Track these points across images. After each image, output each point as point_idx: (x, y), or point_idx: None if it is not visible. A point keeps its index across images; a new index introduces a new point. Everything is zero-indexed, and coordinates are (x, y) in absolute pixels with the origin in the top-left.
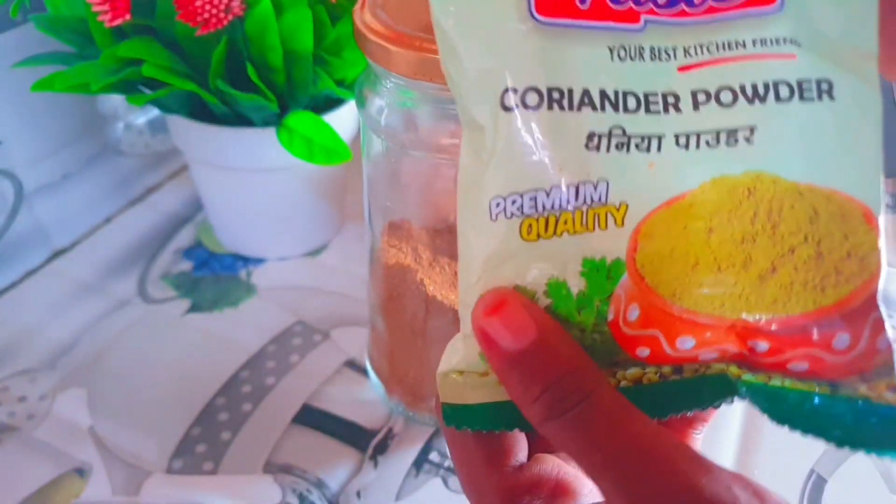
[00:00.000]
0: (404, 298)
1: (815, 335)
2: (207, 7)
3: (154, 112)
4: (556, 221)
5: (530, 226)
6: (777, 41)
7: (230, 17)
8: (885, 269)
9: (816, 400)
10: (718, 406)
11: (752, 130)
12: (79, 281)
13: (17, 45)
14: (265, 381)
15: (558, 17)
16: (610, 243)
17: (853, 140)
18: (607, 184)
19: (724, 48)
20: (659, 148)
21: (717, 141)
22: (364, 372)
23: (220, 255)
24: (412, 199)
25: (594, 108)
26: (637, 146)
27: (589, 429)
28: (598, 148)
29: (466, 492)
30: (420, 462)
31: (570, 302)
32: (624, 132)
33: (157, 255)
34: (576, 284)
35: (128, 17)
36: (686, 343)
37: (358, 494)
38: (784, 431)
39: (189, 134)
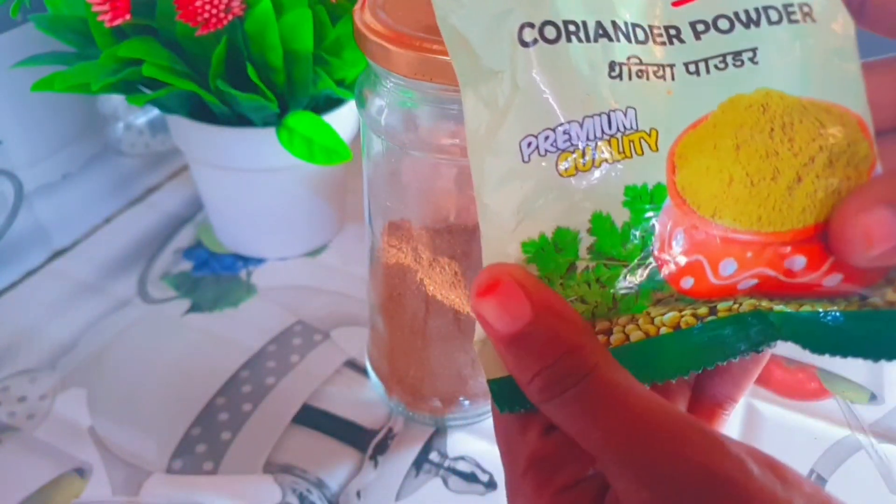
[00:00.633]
0: (404, 298)
1: None
2: (207, 7)
3: (154, 112)
4: (593, 152)
5: (567, 160)
6: None
7: (230, 17)
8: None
9: (840, 316)
10: (759, 351)
11: (754, 52)
12: (79, 281)
13: (17, 45)
14: (265, 381)
15: None
16: (649, 168)
17: (837, 57)
18: (635, 111)
19: None
20: (673, 76)
21: (725, 64)
22: (364, 372)
23: (220, 255)
24: (412, 199)
25: (609, 38)
26: (655, 74)
27: (588, 408)
28: (620, 77)
29: (501, 453)
30: (420, 462)
31: (615, 236)
32: (640, 61)
33: (157, 255)
34: (619, 216)
35: (128, 17)
36: (728, 267)
37: (358, 494)
38: (784, 431)
39: (189, 134)
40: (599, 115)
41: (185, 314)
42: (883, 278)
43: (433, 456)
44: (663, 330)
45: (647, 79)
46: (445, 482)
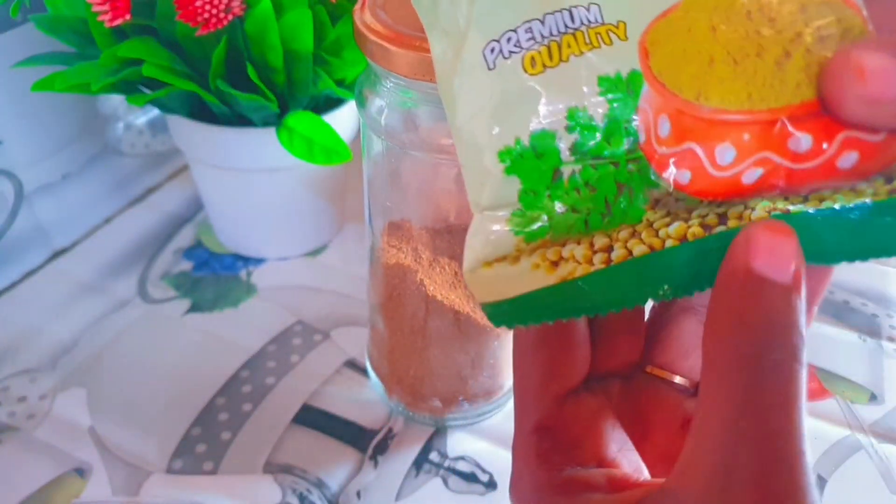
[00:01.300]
0: (404, 298)
1: None
2: (207, 7)
3: (154, 112)
4: (559, 46)
5: (533, 59)
6: None
7: (230, 17)
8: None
9: (870, 205)
10: None
11: None
12: (79, 281)
13: (17, 45)
14: (265, 381)
15: None
16: (620, 56)
17: None
18: (599, 7)
19: None
20: None
21: None
22: (364, 372)
23: (220, 255)
24: (412, 199)
25: None
26: None
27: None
28: None
29: (515, 406)
30: (420, 462)
31: (596, 130)
32: None
33: (157, 255)
34: (597, 109)
35: (128, 17)
36: (726, 154)
37: (358, 494)
38: None
39: (189, 134)
40: (560, 10)
41: (185, 314)
42: None
43: (433, 456)
44: (669, 242)
45: None
46: (445, 482)
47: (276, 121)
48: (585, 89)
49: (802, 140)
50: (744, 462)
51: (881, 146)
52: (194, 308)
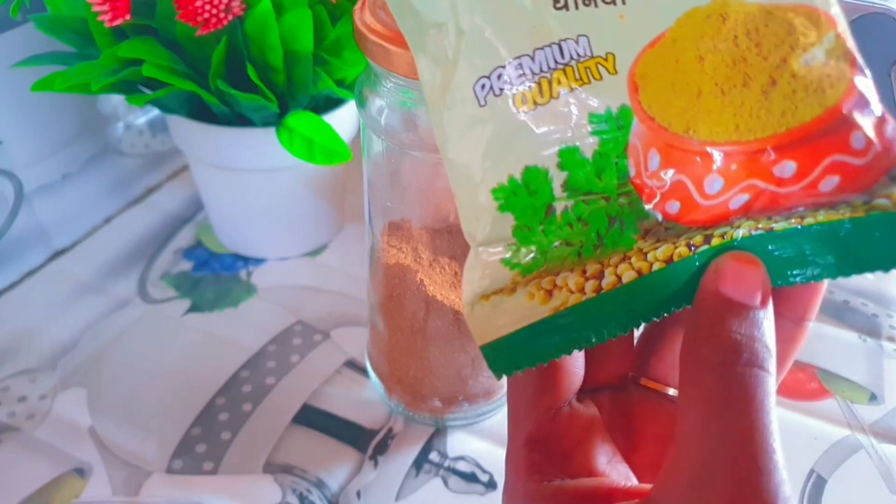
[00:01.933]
0: (404, 298)
1: (832, 138)
2: (207, 7)
3: (154, 112)
4: (549, 83)
5: (524, 96)
6: None
7: (230, 17)
8: (862, 63)
9: (848, 225)
10: None
11: None
12: (79, 281)
13: (17, 45)
14: (265, 381)
15: None
16: (610, 91)
17: None
18: (588, 38)
19: None
20: (623, 0)
21: None
22: (364, 372)
23: (220, 255)
24: (412, 199)
25: None
26: (603, 0)
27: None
28: (566, 7)
29: (509, 418)
30: (420, 462)
31: (587, 167)
32: None
33: (157, 255)
34: (588, 146)
35: (128, 17)
36: (715, 184)
37: (358, 494)
38: (784, 431)
39: (189, 134)
40: (550, 45)
41: (185, 314)
42: (886, 175)
43: (433, 456)
44: (656, 266)
45: (596, 6)
46: (445, 482)
47: (276, 121)
48: (576, 126)
49: (787, 167)
50: (720, 464)
51: (862, 170)
52: (194, 308)
